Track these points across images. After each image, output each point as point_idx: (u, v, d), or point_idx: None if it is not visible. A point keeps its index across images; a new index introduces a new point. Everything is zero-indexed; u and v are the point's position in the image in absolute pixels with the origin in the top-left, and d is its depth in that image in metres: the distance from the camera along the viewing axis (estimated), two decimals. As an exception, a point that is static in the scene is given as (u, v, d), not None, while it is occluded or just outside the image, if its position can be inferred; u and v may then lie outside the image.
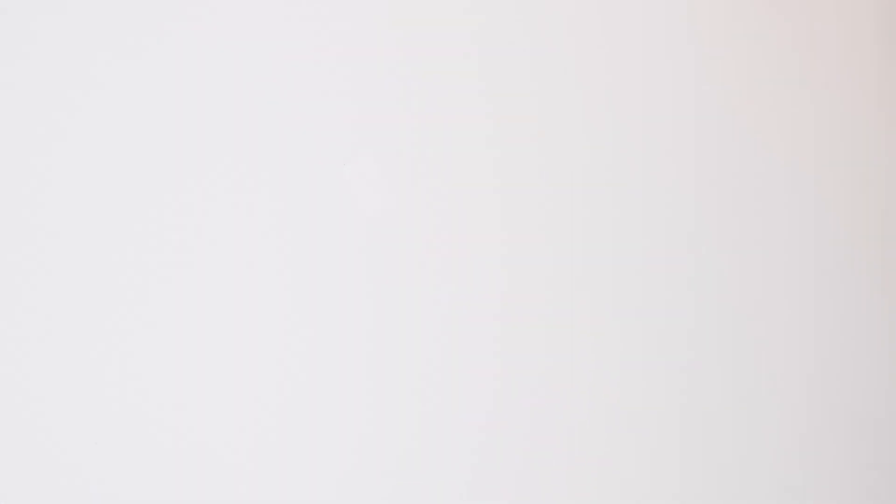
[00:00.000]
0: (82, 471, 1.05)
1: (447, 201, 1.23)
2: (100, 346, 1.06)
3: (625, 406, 1.35)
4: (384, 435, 1.19)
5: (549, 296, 1.29)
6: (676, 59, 1.36)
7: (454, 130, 1.23)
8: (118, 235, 1.07)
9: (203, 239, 1.11)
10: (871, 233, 1.50)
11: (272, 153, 1.14)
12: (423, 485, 1.21)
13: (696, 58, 1.37)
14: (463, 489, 1.23)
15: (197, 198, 1.11)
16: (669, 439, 1.38)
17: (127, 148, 1.08)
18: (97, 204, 1.07)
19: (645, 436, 1.36)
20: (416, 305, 1.21)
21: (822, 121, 1.45)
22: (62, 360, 1.05)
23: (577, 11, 1.30)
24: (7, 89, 1.03)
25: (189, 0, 1.10)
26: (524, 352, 1.28)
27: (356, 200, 1.18)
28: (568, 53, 1.30)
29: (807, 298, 1.46)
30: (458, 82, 1.24)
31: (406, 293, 1.21)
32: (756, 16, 1.41)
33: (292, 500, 1.13)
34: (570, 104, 1.29)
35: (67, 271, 1.05)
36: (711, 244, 1.39)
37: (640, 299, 1.35)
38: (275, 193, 1.14)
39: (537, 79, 1.28)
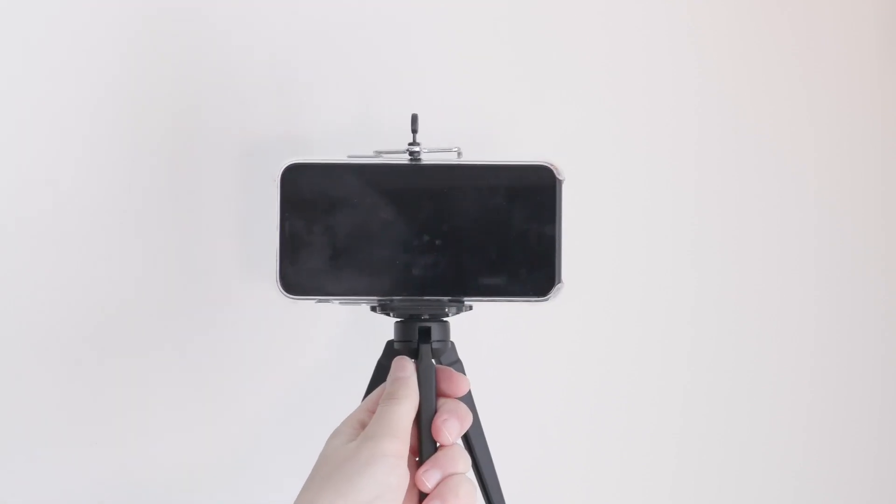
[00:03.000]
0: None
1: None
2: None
3: (624, 406, 1.35)
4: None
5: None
6: (675, 59, 1.36)
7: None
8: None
9: (204, 240, 1.11)
10: (872, 233, 1.50)
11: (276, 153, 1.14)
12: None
13: (696, 57, 1.37)
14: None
15: (199, 197, 1.10)
16: (668, 440, 1.37)
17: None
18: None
19: (643, 436, 1.36)
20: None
21: (822, 121, 1.45)
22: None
23: (579, 9, 1.29)
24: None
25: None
26: (523, 351, 1.28)
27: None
28: (568, 50, 1.29)
29: (807, 299, 1.46)
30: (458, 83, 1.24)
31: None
32: (756, 15, 1.41)
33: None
34: (570, 103, 1.29)
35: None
36: (712, 244, 1.39)
37: (640, 300, 1.35)
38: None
39: (537, 77, 1.27)
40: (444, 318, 0.93)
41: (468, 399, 0.94)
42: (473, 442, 0.95)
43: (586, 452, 1.34)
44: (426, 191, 0.91)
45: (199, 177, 1.06)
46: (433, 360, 0.91)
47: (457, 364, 0.95)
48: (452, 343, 0.95)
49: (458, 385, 0.92)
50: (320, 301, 0.93)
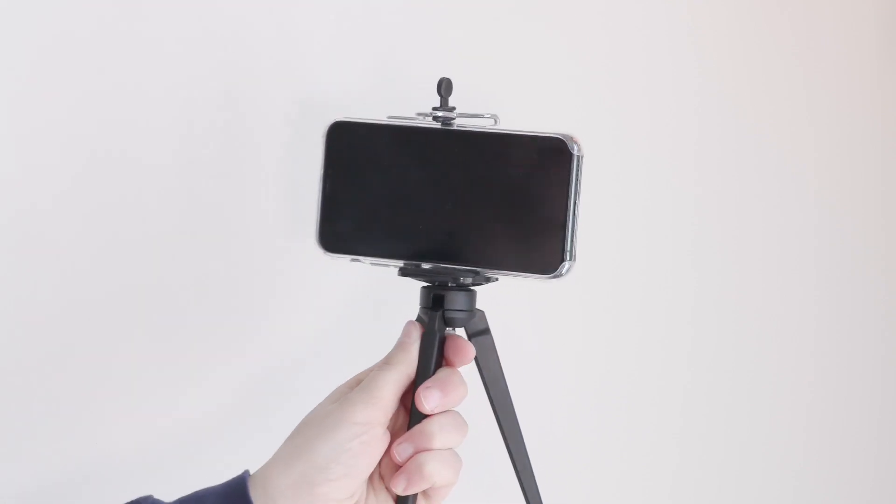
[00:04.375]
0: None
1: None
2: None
3: (624, 406, 1.35)
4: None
5: (548, 293, 1.29)
6: (675, 59, 1.36)
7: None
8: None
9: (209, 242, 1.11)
10: (872, 233, 1.50)
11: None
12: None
13: (696, 57, 1.37)
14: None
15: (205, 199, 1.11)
16: (668, 439, 1.38)
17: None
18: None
19: (643, 436, 1.36)
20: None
21: (822, 121, 1.45)
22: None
23: (579, 9, 1.30)
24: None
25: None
26: (519, 349, 1.28)
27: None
28: (567, 50, 1.29)
29: (807, 299, 1.46)
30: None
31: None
32: (756, 15, 1.41)
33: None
34: (570, 103, 1.29)
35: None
36: (712, 244, 1.39)
37: (640, 300, 1.35)
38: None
39: (536, 77, 1.28)
40: (467, 287, 0.91)
41: (495, 366, 0.92)
42: (498, 409, 0.92)
43: (588, 452, 1.34)
44: (446, 157, 0.91)
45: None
46: (447, 328, 0.90)
47: (484, 334, 0.93)
48: (481, 312, 0.93)
49: (463, 353, 0.90)
50: (353, 260, 0.93)
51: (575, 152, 0.88)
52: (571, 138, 0.88)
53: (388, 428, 0.88)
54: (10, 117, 1.00)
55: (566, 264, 0.88)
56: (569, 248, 0.89)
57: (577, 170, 0.89)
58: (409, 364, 0.90)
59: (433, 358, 0.90)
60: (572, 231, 0.89)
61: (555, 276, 0.89)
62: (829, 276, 1.47)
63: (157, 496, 0.88)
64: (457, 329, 0.92)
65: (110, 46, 1.01)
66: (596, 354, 1.32)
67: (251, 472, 0.87)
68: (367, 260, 0.93)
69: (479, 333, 0.92)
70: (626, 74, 1.32)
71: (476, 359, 0.91)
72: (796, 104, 1.43)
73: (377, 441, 0.87)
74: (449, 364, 0.91)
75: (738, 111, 1.40)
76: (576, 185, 0.89)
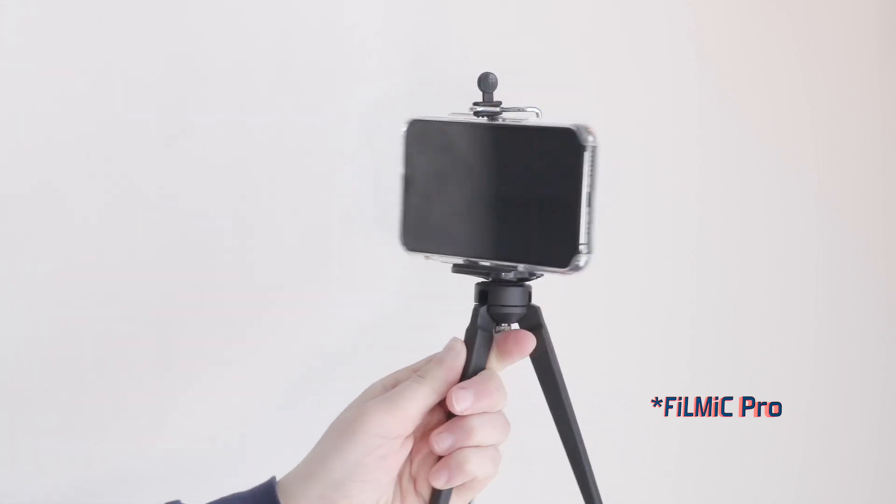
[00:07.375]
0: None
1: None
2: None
3: (623, 406, 1.35)
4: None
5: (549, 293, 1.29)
6: (675, 60, 1.36)
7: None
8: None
9: (205, 240, 1.11)
10: (872, 233, 1.50)
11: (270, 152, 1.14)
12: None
13: (696, 58, 1.37)
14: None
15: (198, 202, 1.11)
16: (669, 440, 1.38)
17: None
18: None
19: (643, 436, 1.36)
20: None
21: (823, 121, 1.45)
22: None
23: (579, 9, 1.29)
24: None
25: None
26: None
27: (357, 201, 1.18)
28: (568, 50, 1.29)
29: (807, 299, 1.46)
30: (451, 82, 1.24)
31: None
32: (756, 16, 1.41)
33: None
34: (570, 104, 1.29)
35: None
36: (713, 244, 1.39)
37: (640, 299, 1.35)
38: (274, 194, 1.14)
39: (536, 77, 1.27)
40: (511, 282, 0.89)
41: (545, 362, 0.90)
42: (552, 404, 0.90)
43: (588, 452, 1.34)
44: (481, 153, 0.90)
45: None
46: (498, 325, 0.89)
47: (539, 329, 0.90)
48: (535, 308, 0.91)
49: (521, 343, 0.88)
50: (427, 258, 0.91)
51: (587, 143, 0.87)
52: (586, 128, 0.87)
53: (412, 434, 0.86)
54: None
55: (581, 257, 0.87)
56: (583, 241, 0.87)
57: (590, 160, 0.88)
58: (441, 381, 0.87)
59: (471, 357, 0.88)
60: (587, 223, 0.88)
61: (571, 270, 0.87)
62: (830, 276, 1.47)
63: (184, 501, 0.86)
64: (506, 326, 0.89)
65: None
66: (596, 354, 1.32)
67: (277, 479, 0.85)
68: (438, 258, 0.91)
69: (532, 328, 0.90)
70: (625, 75, 1.32)
71: (531, 354, 0.90)
72: (797, 104, 1.43)
73: (395, 453, 0.85)
74: (508, 356, 0.89)
75: (738, 111, 1.39)
76: (590, 176, 0.88)
